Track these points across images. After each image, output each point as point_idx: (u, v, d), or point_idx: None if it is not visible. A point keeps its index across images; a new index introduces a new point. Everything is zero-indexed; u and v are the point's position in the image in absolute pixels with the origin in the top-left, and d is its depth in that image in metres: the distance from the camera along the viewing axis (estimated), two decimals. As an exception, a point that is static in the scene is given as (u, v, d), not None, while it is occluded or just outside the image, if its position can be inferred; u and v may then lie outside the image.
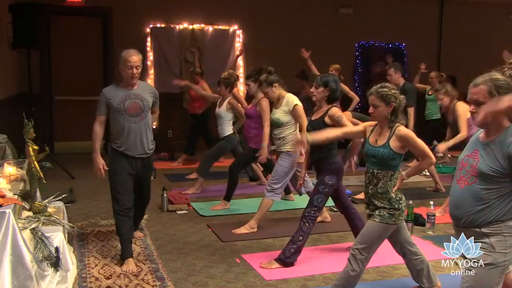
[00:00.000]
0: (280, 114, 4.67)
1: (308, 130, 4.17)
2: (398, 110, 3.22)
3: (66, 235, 3.77)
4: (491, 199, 2.46)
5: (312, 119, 4.10)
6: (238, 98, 6.19)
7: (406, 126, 3.27)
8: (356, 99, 7.09)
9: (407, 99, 5.91)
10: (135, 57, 3.86)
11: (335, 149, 4.04)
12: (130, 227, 4.07)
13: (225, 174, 6.71)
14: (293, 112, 4.61)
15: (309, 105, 6.11)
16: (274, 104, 4.81)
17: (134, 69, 3.86)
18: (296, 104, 4.59)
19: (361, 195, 5.29)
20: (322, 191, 4.00)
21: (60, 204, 4.08)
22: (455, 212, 2.61)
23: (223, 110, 6.13)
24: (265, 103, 5.21)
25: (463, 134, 5.04)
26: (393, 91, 3.22)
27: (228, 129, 6.17)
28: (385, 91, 3.19)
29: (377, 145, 3.20)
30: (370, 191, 3.25)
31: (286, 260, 4.01)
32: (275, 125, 4.72)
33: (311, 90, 4.09)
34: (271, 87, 4.67)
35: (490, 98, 2.43)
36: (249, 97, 6.06)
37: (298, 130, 4.75)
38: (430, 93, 7.46)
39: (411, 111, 6.02)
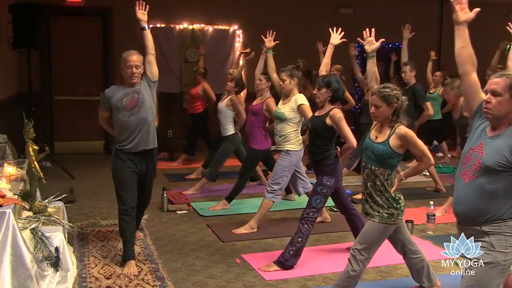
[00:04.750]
0: (286, 109, 4.65)
1: (308, 126, 4.17)
2: (400, 111, 3.21)
3: (66, 235, 3.77)
4: (494, 194, 2.45)
5: (316, 115, 4.10)
6: (241, 102, 6.23)
7: (408, 126, 3.26)
8: (352, 103, 7.01)
9: (421, 96, 5.99)
10: (134, 57, 3.92)
11: (333, 150, 4.03)
12: (133, 228, 4.07)
13: (226, 174, 6.74)
14: (299, 110, 4.61)
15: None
16: (282, 99, 4.79)
17: (134, 68, 3.90)
18: (301, 104, 4.57)
19: (361, 195, 5.27)
20: (320, 191, 3.99)
21: (60, 204, 4.08)
22: (457, 208, 2.61)
23: (223, 104, 6.17)
24: (272, 103, 5.23)
25: None
26: (395, 92, 3.21)
27: (229, 128, 6.18)
28: (387, 91, 3.18)
29: (376, 141, 3.20)
30: (369, 188, 3.25)
31: (285, 263, 3.99)
32: (278, 119, 4.71)
33: (314, 92, 4.06)
34: (291, 78, 4.64)
35: (508, 91, 2.44)
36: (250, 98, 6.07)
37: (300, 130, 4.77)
38: (431, 91, 7.44)
39: (428, 104, 6.14)
